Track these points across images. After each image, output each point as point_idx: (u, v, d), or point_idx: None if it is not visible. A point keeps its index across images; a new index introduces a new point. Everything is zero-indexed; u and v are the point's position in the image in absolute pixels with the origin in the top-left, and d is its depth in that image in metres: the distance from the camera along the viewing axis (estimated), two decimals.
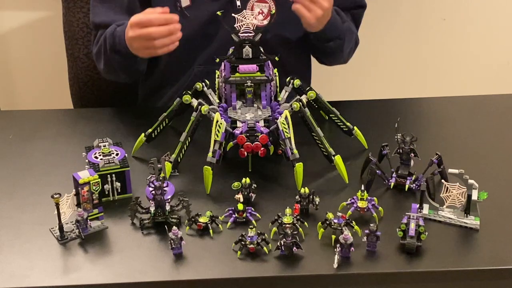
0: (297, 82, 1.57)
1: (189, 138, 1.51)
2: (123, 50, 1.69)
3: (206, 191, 1.47)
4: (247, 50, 1.50)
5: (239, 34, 1.50)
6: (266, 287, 1.28)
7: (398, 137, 1.47)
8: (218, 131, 1.45)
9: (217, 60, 1.53)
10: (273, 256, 1.29)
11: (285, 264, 1.28)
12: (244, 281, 1.27)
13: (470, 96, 1.95)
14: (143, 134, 1.60)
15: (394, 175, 1.47)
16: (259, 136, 1.45)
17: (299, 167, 1.46)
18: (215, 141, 1.45)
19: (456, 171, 1.39)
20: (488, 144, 1.68)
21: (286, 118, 1.46)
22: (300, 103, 1.50)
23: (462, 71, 2.65)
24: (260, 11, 1.68)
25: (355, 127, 1.61)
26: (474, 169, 1.44)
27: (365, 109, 1.80)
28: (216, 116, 1.46)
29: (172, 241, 1.29)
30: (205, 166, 1.45)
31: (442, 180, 1.42)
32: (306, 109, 1.51)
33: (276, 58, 1.54)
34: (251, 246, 1.29)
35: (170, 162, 1.49)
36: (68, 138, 1.71)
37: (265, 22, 1.75)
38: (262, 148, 1.45)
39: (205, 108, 1.49)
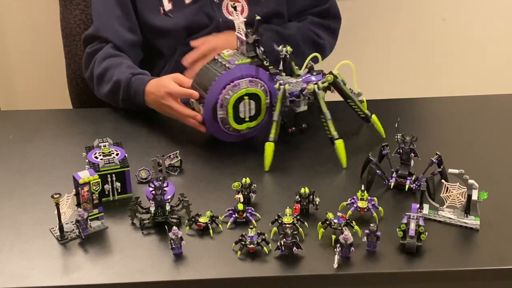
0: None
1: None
2: (137, 103, 1.72)
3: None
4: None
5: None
6: (266, 287, 1.28)
7: (398, 137, 1.47)
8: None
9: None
10: (273, 256, 1.29)
11: (285, 264, 1.28)
12: (244, 281, 1.27)
13: (470, 96, 1.95)
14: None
15: (394, 175, 1.47)
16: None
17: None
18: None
19: (456, 171, 1.39)
20: (488, 144, 1.68)
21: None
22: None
23: (462, 71, 2.65)
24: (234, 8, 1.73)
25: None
26: (474, 169, 1.43)
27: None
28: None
29: (172, 241, 1.29)
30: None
31: (442, 180, 1.42)
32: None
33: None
34: (251, 246, 1.29)
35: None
36: (68, 138, 1.71)
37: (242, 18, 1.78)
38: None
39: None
